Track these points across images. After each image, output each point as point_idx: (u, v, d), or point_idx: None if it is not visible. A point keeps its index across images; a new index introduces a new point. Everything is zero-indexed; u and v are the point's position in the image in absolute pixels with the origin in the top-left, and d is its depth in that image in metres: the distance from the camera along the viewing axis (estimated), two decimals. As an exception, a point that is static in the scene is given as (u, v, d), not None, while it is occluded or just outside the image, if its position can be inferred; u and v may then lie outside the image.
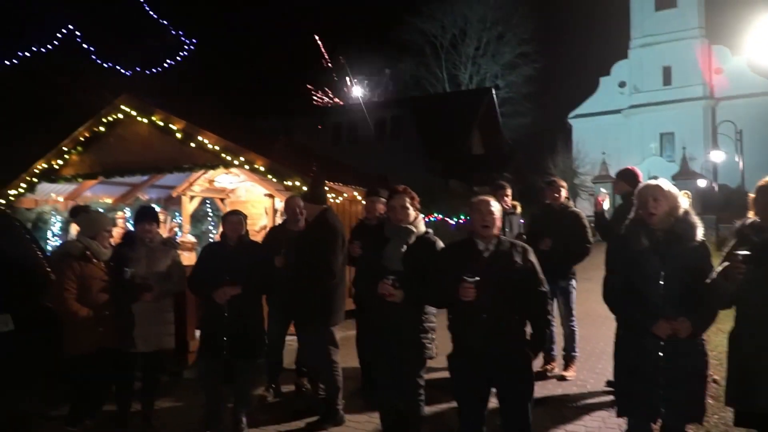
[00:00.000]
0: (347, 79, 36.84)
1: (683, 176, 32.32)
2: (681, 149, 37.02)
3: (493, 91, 30.18)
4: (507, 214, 6.25)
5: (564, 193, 6.05)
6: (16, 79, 13.54)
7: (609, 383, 5.45)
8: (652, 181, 3.38)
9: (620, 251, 3.33)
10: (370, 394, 5.33)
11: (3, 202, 10.07)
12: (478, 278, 3.26)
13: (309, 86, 36.02)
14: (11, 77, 13.40)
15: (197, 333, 5.77)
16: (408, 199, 4.01)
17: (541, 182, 6.64)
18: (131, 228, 6.33)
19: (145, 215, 4.88)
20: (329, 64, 35.66)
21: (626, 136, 42.45)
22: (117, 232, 9.28)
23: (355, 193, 8.81)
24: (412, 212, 4.01)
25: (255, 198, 11.27)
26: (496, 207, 3.53)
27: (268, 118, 25.64)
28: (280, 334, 5.54)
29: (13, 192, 9.99)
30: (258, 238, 10.71)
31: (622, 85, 44.52)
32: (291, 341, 5.68)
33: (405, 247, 3.94)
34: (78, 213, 5.09)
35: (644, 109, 42.33)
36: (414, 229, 3.98)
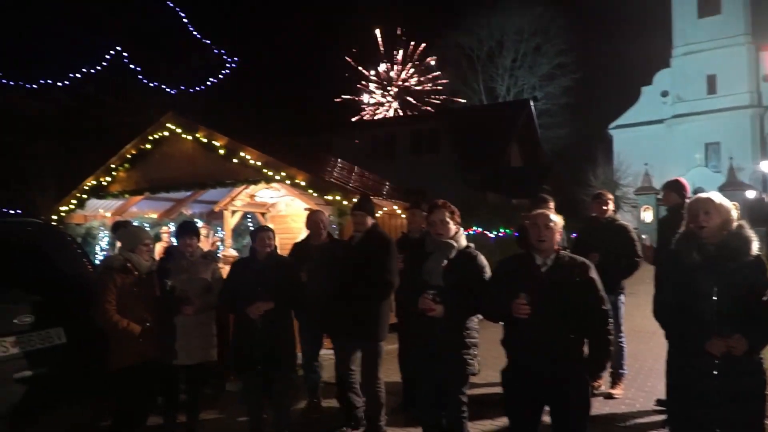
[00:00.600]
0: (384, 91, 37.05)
1: (731, 187, 31.31)
2: (727, 159, 35.93)
3: (532, 103, 29.93)
4: None
5: (611, 205, 5.95)
6: (67, 100, 14.06)
7: (659, 402, 5.30)
8: (703, 194, 3.30)
9: (671, 267, 3.25)
10: (413, 410, 5.32)
11: (55, 218, 10.41)
12: (528, 295, 3.21)
13: (341, 98, 36.27)
14: (63, 99, 13.93)
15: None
16: (448, 214, 3.99)
17: (583, 195, 6.54)
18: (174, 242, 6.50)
19: (185, 230, 4.99)
20: (364, 82, 35.97)
21: (669, 147, 41.45)
22: (161, 247, 9.52)
23: (395, 207, 8.82)
24: (452, 226, 3.99)
25: (295, 212, 11.36)
26: (555, 220, 3.45)
27: (305, 134, 25.93)
28: (313, 349, 5.55)
29: (64, 208, 10.31)
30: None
31: (664, 94, 43.59)
32: (329, 355, 5.70)
33: (446, 261, 3.92)
34: (118, 228, 5.25)
35: (688, 118, 41.31)
36: (455, 244, 3.96)
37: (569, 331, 3.28)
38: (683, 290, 3.12)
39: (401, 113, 38.26)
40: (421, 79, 38.20)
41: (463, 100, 38.88)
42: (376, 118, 37.00)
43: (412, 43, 37.90)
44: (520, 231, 6.44)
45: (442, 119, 26.68)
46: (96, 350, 4.28)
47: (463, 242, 4.03)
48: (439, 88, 38.08)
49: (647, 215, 34.25)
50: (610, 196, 6.06)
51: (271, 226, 5.65)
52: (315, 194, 7.96)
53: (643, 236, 5.68)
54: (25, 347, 3.99)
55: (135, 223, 7.63)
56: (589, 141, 40.67)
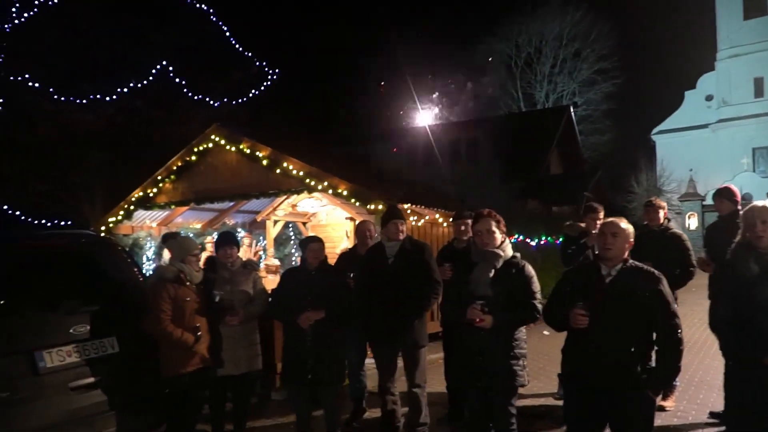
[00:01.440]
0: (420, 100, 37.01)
1: (780, 192, 30.33)
2: (777, 164, 34.86)
3: (572, 109, 29.53)
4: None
5: (663, 213, 5.81)
6: (115, 114, 14.50)
7: (713, 415, 5.15)
8: (759, 202, 3.21)
9: (727, 277, 3.16)
10: (458, 422, 5.29)
11: (103, 228, 10.72)
12: (589, 305, 3.16)
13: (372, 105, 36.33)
14: (112, 113, 14.37)
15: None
16: (494, 223, 3.97)
17: (624, 202, 6.40)
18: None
19: (225, 240, 5.07)
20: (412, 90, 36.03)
21: (714, 152, 40.30)
22: (204, 257, 9.71)
23: (437, 216, 8.82)
24: (498, 236, 3.97)
25: (335, 221, 11.47)
26: (623, 228, 3.36)
27: (342, 145, 26.11)
28: (359, 357, 5.58)
29: (112, 219, 10.62)
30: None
31: (709, 98, 42.41)
32: (373, 364, 5.71)
33: (493, 271, 3.90)
34: (168, 239, 5.41)
35: (734, 123, 40.10)
36: (501, 253, 3.93)
37: (630, 344, 3.18)
38: (741, 302, 3.03)
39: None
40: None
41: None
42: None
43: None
44: (565, 244, 6.36)
45: (482, 127, 26.47)
46: (147, 359, 4.38)
47: (510, 251, 4.01)
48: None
49: (692, 222, 33.44)
50: (663, 204, 5.92)
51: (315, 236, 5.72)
52: (357, 203, 8.01)
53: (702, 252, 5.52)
54: (81, 356, 4.09)
55: (185, 235, 7.82)
56: (631, 147, 39.91)
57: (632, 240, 3.40)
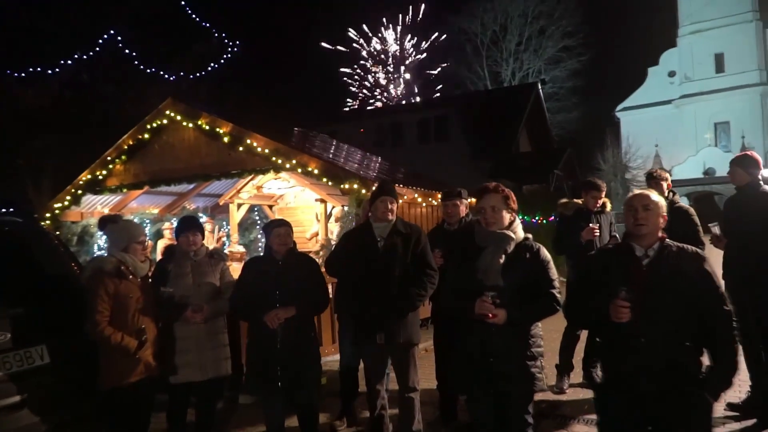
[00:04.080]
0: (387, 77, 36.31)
1: (744, 167, 30.58)
2: (739, 139, 35.24)
3: (539, 86, 29.19)
4: (595, 213, 5.56)
5: (667, 185, 5.26)
6: (61, 89, 13.35)
7: (731, 406, 4.69)
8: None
9: None
10: (452, 424, 4.72)
11: (49, 215, 9.80)
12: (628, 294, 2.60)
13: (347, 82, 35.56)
14: (57, 88, 13.21)
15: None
16: (501, 199, 3.34)
17: (593, 179, 5.88)
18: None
19: (187, 225, 4.32)
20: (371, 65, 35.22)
21: (678, 128, 40.70)
22: (163, 245, 8.89)
23: (415, 195, 8.17)
24: (506, 215, 3.34)
25: (305, 203, 10.78)
26: (656, 201, 2.83)
27: (306, 125, 25.28)
28: (355, 354, 4.94)
29: (58, 205, 9.70)
30: (308, 246, 10.28)
31: (671, 74, 42.73)
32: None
33: (503, 257, 3.27)
34: (106, 223, 4.31)
35: (696, 98, 40.51)
36: (512, 235, 3.31)
37: (684, 337, 2.66)
38: None
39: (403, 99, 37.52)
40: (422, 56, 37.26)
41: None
42: (378, 102, 36.26)
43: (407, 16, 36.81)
44: (561, 224, 5.80)
45: (449, 106, 25.98)
46: (86, 370, 3.63)
47: (521, 233, 3.38)
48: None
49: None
50: (666, 175, 5.39)
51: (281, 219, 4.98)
52: (330, 183, 7.30)
53: (715, 224, 4.98)
54: (1, 370, 3.34)
55: (128, 218, 6.97)
56: (597, 124, 40.00)
57: (665, 214, 2.85)
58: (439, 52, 39.44)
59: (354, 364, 4.99)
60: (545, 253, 3.35)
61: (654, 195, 2.87)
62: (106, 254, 3.94)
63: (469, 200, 4.96)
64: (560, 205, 5.88)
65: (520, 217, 10.69)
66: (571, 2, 39.36)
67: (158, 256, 8.22)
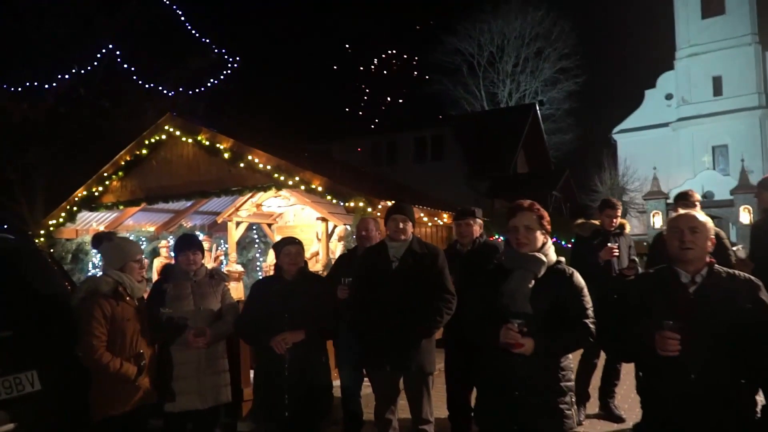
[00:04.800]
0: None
1: (742, 190, 30.35)
2: (738, 162, 35.16)
3: (537, 107, 29.18)
4: (613, 234, 5.34)
5: (698, 208, 5.05)
6: (56, 104, 13.09)
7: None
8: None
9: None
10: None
11: (43, 232, 9.52)
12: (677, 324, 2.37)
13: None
14: (52, 102, 12.95)
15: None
16: (535, 218, 3.10)
17: (589, 201, 5.69)
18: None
19: (187, 244, 4.08)
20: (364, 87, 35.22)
21: (676, 150, 40.60)
22: (160, 264, 8.61)
23: (421, 214, 7.94)
24: (539, 235, 3.11)
25: (304, 222, 10.54)
26: (702, 222, 2.61)
27: (302, 142, 25.10)
28: (356, 381, 4.67)
29: (53, 222, 9.42)
30: (308, 266, 9.99)
31: (668, 97, 42.74)
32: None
33: (533, 281, 3.03)
34: (101, 241, 4.05)
35: (694, 121, 40.45)
36: (544, 258, 3.07)
37: (736, 374, 2.42)
38: None
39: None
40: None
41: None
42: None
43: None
44: (577, 245, 5.57)
45: (446, 125, 25.85)
46: (80, 397, 3.36)
47: (553, 256, 3.13)
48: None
49: (657, 220, 33.41)
50: (696, 197, 5.17)
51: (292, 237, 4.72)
52: (334, 201, 7.05)
53: (738, 247, 4.77)
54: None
55: (123, 236, 6.68)
56: (593, 146, 39.99)
57: (714, 237, 2.63)
58: (435, 72, 39.38)
59: (356, 390, 4.72)
60: (579, 279, 3.10)
61: (701, 215, 2.66)
62: (100, 273, 3.67)
63: (482, 220, 4.75)
64: (576, 226, 5.67)
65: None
66: (567, 24, 39.57)
67: (154, 276, 7.94)
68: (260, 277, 8.35)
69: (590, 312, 3.03)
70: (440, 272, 3.94)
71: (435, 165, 24.02)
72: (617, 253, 5.21)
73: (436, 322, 3.83)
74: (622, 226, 5.46)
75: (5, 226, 12.75)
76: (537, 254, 3.06)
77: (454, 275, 4.11)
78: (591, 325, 2.99)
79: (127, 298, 3.53)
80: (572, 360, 3.12)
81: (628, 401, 5.52)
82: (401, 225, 3.97)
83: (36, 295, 3.72)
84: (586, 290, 3.09)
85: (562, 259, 3.18)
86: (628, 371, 4.02)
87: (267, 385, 3.80)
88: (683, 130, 41.11)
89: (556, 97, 40.03)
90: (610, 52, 59.34)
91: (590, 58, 54.23)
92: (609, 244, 5.21)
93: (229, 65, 15.02)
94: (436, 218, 8.14)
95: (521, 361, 2.91)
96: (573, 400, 3.05)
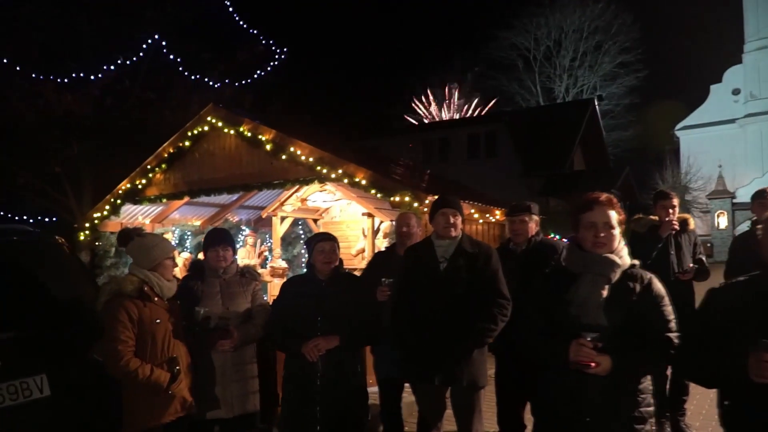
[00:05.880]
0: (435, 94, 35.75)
1: (816, 190, 28.68)
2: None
3: (596, 102, 28.06)
4: (676, 233, 4.73)
5: None
6: (103, 96, 13.11)
7: None
8: None
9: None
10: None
11: (88, 225, 9.47)
12: None
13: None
14: (98, 95, 12.98)
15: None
16: (614, 215, 2.61)
17: (649, 200, 5.11)
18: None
19: (216, 239, 3.71)
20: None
21: (743, 148, 38.72)
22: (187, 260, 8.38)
23: (472, 210, 7.44)
24: (617, 233, 2.61)
25: (351, 218, 10.18)
26: None
27: (350, 139, 24.84)
28: (395, 394, 4.24)
29: (97, 215, 9.35)
30: (354, 263, 9.67)
31: (735, 92, 40.76)
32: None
33: (606, 288, 2.54)
34: (127, 237, 3.48)
35: (763, 117, 38.46)
36: (618, 261, 2.57)
37: None
38: None
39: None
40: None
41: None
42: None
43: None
44: (633, 241, 4.95)
45: (500, 121, 25.09)
46: (93, 404, 3.04)
47: (627, 258, 2.63)
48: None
49: (722, 221, 31.91)
50: None
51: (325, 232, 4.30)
52: (379, 195, 6.64)
53: None
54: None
55: (156, 232, 6.38)
56: (654, 143, 38.46)
57: None
58: (490, 68, 38.54)
59: (397, 401, 4.30)
60: (659, 286, 2.59)
61: None
62: (126, 273, 3.33)
63: (538, 216, 4.24)
64: (633, 222, 5.09)
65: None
66: (629, 17, 38.10)
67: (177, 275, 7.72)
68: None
69: (673, 324, 2.53)
70: (494, 274, 3.47)
71: (488, 162, 23.40)
72: (677, 226, 4.68)
73: (491, 331, 3.36)
74: (685, 221, 4.86)
75: (54, 219, 12.89)
76: (610, 256, 2.57)
77: (507, 278, 3.62)
78: (675, 340, 2.50)
79: (156, 299, 3.19)
80: (651, 381, 2.61)
81: (699, 418, 4.92)
82: (451, 219, 3.51)
83: (50, 292, 3.43)
84: (667, 299, 2.59)
85: (637, 261, 2.67)
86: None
87: (297, 396, 3.43)
88: (751, 126, 39.17)
89: (616, 92, 38.77)
90: (673, 45, 57.00)
91: (652, 52, 52.07)
92: (668, 218, 4.69)
93: (277, 56, 14.80)
94: (488, 215, 7.62)
95: (593, 381, 2.43)
96: (653, 428, 2.55)
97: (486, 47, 39.47)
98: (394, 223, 6.82)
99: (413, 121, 33.83)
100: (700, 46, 43.44)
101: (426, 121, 34.27)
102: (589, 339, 2.42)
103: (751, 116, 39.21)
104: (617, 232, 2.60)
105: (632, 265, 2.63)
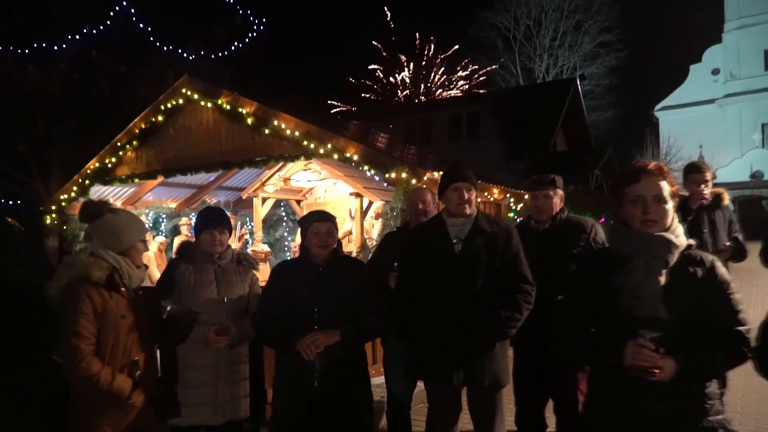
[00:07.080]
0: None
1: (795, 170, 28.89)
2: (790, 140, 33.42)
3: (578, 82, 27.79)
4: (705, 209, 4.38)
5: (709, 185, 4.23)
6: (67, 70, 12.33)
7: None
8: None
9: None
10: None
11: (54, 208, 8.87)
12: None
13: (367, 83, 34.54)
14: (64, 68, 12.20)
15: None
16: (666, 186, 2.19)
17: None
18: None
19: (212, 220, 3.23)
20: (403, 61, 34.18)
21: (722, 128, 38.81)
22: (179, 243, 7.87)
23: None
24: (670, 208, 2.19)
25: (336, 199, 9.72)
26: None
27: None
28: (406, 391, 3.83)
29: (64, 197, 8.75)
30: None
31: (715, 72, 40.76)
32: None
33: (664, 273, 2.12)
34: (92, 214, 2.79)
35: (742, 97, 38.55)
36: (675, 241, 2.15)
37: None
38: None
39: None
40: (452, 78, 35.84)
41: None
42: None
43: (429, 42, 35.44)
44: None
45: (482, 102, 24.75)
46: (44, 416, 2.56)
47: (683, 238, 2.21)
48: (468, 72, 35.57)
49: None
50: (710, 173, 4.38)
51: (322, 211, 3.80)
52: (372, 172, 6.15)
53: None
54: None
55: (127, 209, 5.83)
56: (634, 124, 38.56)
57: None
58: (468, 49, 38.06)
59: (407, 402, 3.89)
60: (723, 270, 2.18)
61: None
62: (89, 254, 2.79)
63: (562, 191, 3.83)
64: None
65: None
66: (609, -5, 37.88)
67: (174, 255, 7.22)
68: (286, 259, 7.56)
69: (743, 316, 2.13)
70: (516, 256, 3.04)
71: (470, 144, 23.15)
72: (708, 197, 4.38)
73: (516, 321, 2.94)
74: (719, 197, 4.50)
75: (18, 202, 12.14)
76: (666, 234, 2.15)
77: (528, 260, 3.20)
78: (747, 336, 2.10)
79: (122, 289, 2.68)
80: (717, 385, 2.21)
81: (737, 414, 4.58)
82: (466, 195, 3.07)
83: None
84: (733, 285, 2.18)
85: (693, 242, 2.26)
86: (734, 375, 3.16)
87: (291, 399, 2.98)
88: (731, 107, 39.28)
89: (596, 72, 38.75)
90: (653, 25, 56.89)
91: (632, 32, 52.06)
92: (698, 189, 4.38)
93: (255, 27, 14.06)
94: (486, 193, 7.21)
95: (652, 387, 2.03)
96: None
97: (465, 27, 39.06)
98: (388, 202, 6.40)
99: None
100: (680, 25, 43.37)
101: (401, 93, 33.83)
102: (649, 338, 2.02)
103: (731, 96, 39.29)
104: (670, 206, 2.17)
105: (689, 246, 2.22)
